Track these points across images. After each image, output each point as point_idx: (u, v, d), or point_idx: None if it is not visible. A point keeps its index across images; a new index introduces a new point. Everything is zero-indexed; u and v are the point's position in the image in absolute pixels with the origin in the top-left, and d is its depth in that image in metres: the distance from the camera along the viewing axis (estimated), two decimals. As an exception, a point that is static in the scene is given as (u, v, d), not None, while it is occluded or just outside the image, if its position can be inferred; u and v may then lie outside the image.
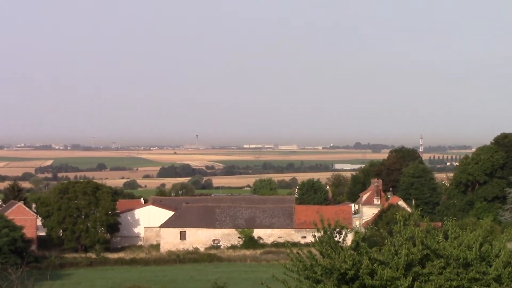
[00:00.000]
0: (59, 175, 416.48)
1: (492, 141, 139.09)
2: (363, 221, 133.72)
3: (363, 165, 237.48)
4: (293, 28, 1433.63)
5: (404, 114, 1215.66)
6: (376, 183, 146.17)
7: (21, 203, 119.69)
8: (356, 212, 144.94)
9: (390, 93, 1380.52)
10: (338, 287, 26.40)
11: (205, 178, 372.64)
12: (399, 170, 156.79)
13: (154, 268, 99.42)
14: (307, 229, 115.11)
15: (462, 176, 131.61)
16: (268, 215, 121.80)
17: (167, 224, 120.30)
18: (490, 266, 26.30)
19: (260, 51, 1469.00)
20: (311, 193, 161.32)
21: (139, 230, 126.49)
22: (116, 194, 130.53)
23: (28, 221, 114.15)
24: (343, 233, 28.34)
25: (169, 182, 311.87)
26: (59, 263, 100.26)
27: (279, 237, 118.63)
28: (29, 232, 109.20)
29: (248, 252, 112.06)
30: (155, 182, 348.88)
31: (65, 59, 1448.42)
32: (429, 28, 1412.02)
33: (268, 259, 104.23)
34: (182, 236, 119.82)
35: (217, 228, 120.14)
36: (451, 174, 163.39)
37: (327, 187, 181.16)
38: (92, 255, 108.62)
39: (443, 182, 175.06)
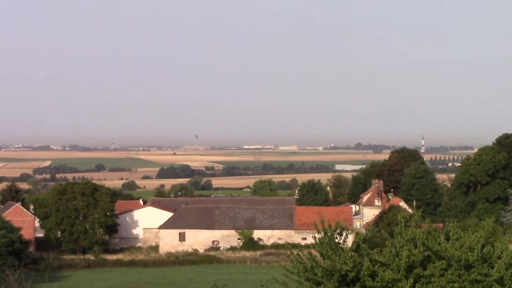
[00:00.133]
0: (57, 176, 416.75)
1: (494, 141, 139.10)
2: (364, 222, 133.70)
3: (364, 166, 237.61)
4: (293, 28, 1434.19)
5: (405, 114, 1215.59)
6: (377, 184, 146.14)
7: (19, 204, 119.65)
8: (357, 213, 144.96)
9: (391, 93, 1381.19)
10: (339, 289, 26.41)
11: (204, 179, 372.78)
12: (400, 171, 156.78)
13: (153, 270, 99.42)
14: (308, 231, 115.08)
15: (464, 177, 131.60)
16: (268, 216, 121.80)
17: (166, 225, 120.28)
18: (492, 268, 26.29)
19: (260, 51, 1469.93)
20: (312, 194, 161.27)
21: (138, 231, 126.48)
22: (114, 195, 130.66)
23: (26, 222, 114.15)
24: (344, 234, 28.34)
25: (168, 183, 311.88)
26: (57, 264, 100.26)
27: (279, 238, 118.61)
28: (27, 234, 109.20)
29: (248, 254, 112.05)
30: (154, 183, 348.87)
31: (64, 59, 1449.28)
32: (429, 28, 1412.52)
33: (268, 260, 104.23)
34: (181, 237, 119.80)
35: (217, 229, 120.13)
36: (453, 175, 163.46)
37: (328, 188, 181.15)
38: (91, 256, 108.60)
39: (444, 183, 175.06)
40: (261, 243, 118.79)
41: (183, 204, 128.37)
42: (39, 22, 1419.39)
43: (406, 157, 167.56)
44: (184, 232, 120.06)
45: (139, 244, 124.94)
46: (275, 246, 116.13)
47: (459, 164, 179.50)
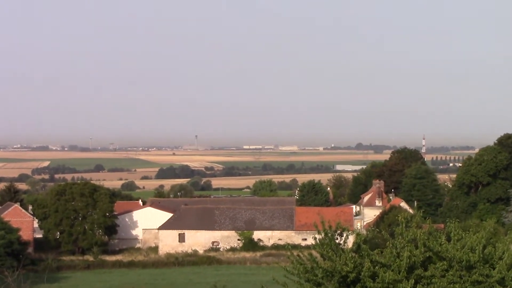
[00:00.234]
0: (56, 176, 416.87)
1: (496, 141, 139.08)
2: (365, 223, 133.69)
3: (364, 166, 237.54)
4: (293, 28, 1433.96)
5: (406, 114, 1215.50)
6: (378, 184, 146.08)
7: (17, 205, 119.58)
8: (358, 213, 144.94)
9: (392, 93, 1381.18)
10: (339, 290, 26.42)
11: (204, 179, 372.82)
12: (401, 171, 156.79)
13: (152, 271, 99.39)
14: (308, 231, 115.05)
15: (465, 177, 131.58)
16: (268, 217, 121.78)
17: (166, 226, 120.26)
18: (494, 269, 26.30)
19: (260, 51, 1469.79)
20: (312, 195, 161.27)
21: (137, 232, 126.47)
22: (114, 195, 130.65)
23: (25, 223, 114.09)
24: (344, 235, 28.35)
25: (168, 183, 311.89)
26: (56, 266, 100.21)
27: (279, 239, 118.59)
28: (25, 235, 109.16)
29: (248, 255, 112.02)
30: (153, 184, 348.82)
31: (63, 59, 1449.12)
32: (430, 28, 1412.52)
33: (268, 261, 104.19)
34: (181, 238, 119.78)
35: (217, 230, 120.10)
36: (454, 175, 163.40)
37: (328, 189, 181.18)
38: (90, 257, 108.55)
39: (445, 183, 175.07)
40: (261, 244, 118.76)
41: (182, 205, 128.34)
42: (38, 22, 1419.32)
43: (407, 157, 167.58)
44: (184, 233, 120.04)
45: (138, 245, 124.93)
46: (275, 247, 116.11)
47: (460, 165, 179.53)
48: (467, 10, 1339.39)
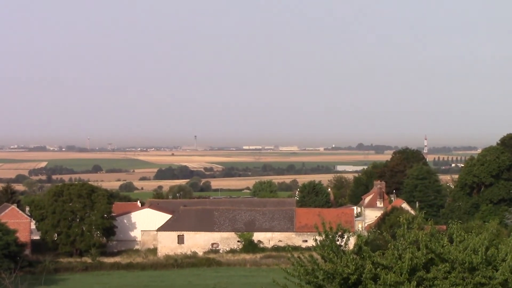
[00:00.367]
0: (54, 177, 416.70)
1: (498, 141, 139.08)
2: (366, 224, 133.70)
3: (365, 167, 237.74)
4: (293, 28, 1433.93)
5: (408, 114, 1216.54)
6: (379, 185, 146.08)
7: (14, 206, 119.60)
8: (359, 215, 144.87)
9: (393, 93, 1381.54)
10: (340, 292, 26.42)
11: (203, 180, 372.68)
12: (403, 171, 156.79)
13: (151, 273, 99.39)
14: (308, 233, 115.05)
15: (468, 178, 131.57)
16: (268, 218, 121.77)
17: (165, 227, 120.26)
18: (497, 271, 26.29)
19: (260, 51, 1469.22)
20: (312, 196, 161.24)
21: (136, 233, 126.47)
22: (112, 196, 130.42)
23: (22, 224, 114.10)
24: (345, 236, 28.34)
25: (167, 184, 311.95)
26: (54, 267, 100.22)
27: (280, 240, 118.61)
28: (22, 236, 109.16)
29: (247, 256, 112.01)
30: (152, 184, 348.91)
31: (61, 59, 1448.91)
32: (432, 27, 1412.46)
33: (268, 263, 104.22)
34: (180, 240, 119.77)
35: (216, 231, 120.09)
36: (456, 176, 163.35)
37: (329, 190, 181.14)
38: (88, 259, 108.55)
39: (448, 184, 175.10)
40: (261, 245, 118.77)
41: (181, 206, 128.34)
42: (36, 22, 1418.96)
43: (408, 157, 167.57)
44: (183, 235, 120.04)
45: (137, 247, 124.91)
46: (276, 248, 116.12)
47: (463, 165, 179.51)
48: (472, 9, 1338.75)
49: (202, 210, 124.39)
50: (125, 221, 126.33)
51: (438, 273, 26.10)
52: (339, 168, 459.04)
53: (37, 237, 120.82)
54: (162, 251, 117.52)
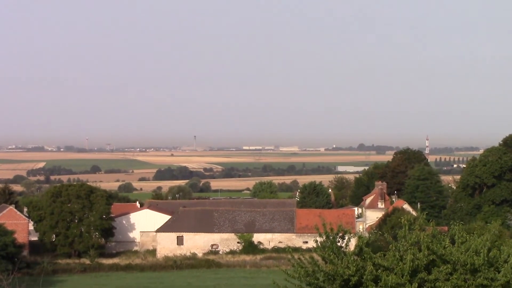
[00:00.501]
0: (52, 177, 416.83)
1: (501, 142, 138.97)
2: (367, 226, 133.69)
3: (366, 167, 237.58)
4: (294, 28, 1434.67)
5: (409, 114, 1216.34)
6: (380, 186, 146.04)
7: (12, 207, 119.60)
8: (360, 216, 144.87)
9: (394, 93, 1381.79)
10: (341, 294, 26.43)
11: (203, 181, 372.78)
12: (404, 172, 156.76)
13: (150, 274, 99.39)
14: (309, 234, 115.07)
15: (469, 178, 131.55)
16: (268, 219, 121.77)
17: (164, 228, 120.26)
18: (499, 272, 26.31)
19: (260, 51, 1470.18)
20: (313, 197, 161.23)
21: (135, 234, 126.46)
22: (110, 197, 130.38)
23: (20, 225, 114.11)
24: (346, 237, 28.37)
25: (166, 185, 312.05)
26: (52, 269, 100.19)
27: (280, 242, 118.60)
28: (20, 237, 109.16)
29: (247, 258, 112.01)
30: (151, 185, 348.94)
31: (59, 59, 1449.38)
32: (433, 26, 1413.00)
33: (268, 265, 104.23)
34: (179, 241, 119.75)
35: (216, 232, 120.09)
36: (458, 177, 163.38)
37: (330, 190, 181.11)
38: (86, 260, 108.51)
39: (449, 185, 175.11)
40: (261, 246, 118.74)
41: (181, 207, 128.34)
42: (34, 22, 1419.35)
43: (410, 158, 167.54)
44: (182, 236, 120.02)
45: (135, 248, 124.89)
46: (276, 250, 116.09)
47: (465, 166, 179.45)
48: (470, 8, 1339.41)
49: (202, 211, 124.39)
50: (124, 222, 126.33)
51: (439, 274, 26.12)
52: (340, 168, 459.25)
53: (35, 238, 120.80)
54: (161, 252, 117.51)
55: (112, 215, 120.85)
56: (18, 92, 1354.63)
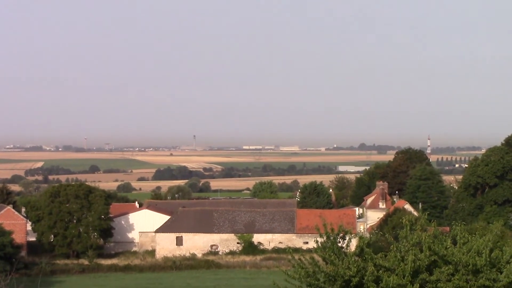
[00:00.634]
0: (50, 177, 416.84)
1: (503, 141, 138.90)
2: (368, 226, 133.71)
3: (368, 167, 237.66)
4: (294, 27, 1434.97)
5: (410, 114, 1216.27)
6: (381, 186, 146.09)
7: (10, 207, 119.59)
8: (361, 216, 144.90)
9: (395, 93, 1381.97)
10: (342, 295, 26.43)
11: (202, 181, 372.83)
12: (406, 172, 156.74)
13: (149, 275, 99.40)
14: (309, 234, 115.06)
15: (471, 178, 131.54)
16: (269, 219, 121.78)
17: (163, 229, 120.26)
18: (501, 273, 26.32)
19: (260, 51, 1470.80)
20: (314, 197, 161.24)
21: (134, 235, 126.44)
22: (109, 197, 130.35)
23: (18, 225, 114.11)
24: (347, 238, 28.38)
25: (165, 184, 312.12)
26: (50, 269, 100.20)
27: (280, 242, 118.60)
28: (18, 237, 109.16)
29: (247, 258, 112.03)
30: (150, 185, 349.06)
31: (57, 58, 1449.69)
32: (435, 26, 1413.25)
33: (268, 265, 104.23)
34: (179, 241, 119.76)
35: (215, 233, 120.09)
36: (460, 177, 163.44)
37: (330, 190, 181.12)
38: (85, 261, 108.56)
39: (451, 185, 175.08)
40: (261, 247, 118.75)
41: (180, 207, 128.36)
42: (32, 21, 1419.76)
43: (411, 158, 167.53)
44: (182, 236, 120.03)
45: (134, 249, 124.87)
46: (276, 250, 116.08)
47: (467, 165, 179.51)
48: (470, 8, 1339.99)
49: (201, 211, 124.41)
50: (122, 222, 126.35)
51: (441, 275, 26.12)
52: (341, 168, 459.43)
53: (33, 239, 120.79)
54: (160, 253, 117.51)
55: (111, 215, 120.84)
56: (16, 91, 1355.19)
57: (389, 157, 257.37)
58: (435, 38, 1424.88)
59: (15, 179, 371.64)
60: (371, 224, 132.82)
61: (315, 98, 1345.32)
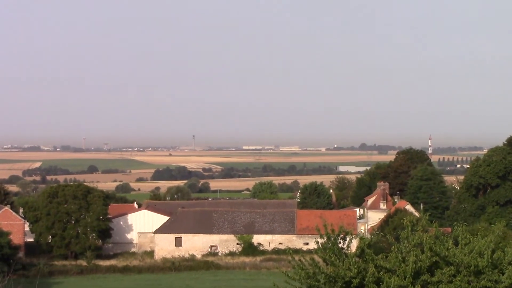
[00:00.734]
0: (48, 178, 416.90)
1: (505, 142, 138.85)
2: (369, 227, 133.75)
3: (368, 167, 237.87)
4: (294, 27, 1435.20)
5: (412, 113, 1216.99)
6: (382, 186, 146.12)
7: (7, 208, 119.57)
8: (361, 217, 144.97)
9: (396, 93, 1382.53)
10: (342, 296, 26.42)
11: (202, 181, 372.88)
12: (407, 172, 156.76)
13: (148, 276, 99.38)
14: (310, 235, 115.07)
15: (473, 179, 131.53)
16: (269, 220, 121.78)
17: (162, 229, 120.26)
18: (503, 274, 26.30)
19: (260, 51, 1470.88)
20: (314, 197, 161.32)
21: (132, 236, 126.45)
22: (108, 198, 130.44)
23: (15, 226, 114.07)
24: (348, 239, 28.37)
25: (164, 185, 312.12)
26: (48, 270, 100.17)
27: (280, 243, 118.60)
28: (16, 238, 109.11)
29: (247, 259, 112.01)
30: (149, 185, 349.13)
31: (55, 58, 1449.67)
32: (436, 25, 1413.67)
33: (268, 266, 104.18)
34: (178, 242, 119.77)
35: (215, 234, 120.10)
36: (462, 177, 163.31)
37: (331, 191, 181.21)
38: (83, 262, 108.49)
39: (453, 185, 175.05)
40: (261, 248, 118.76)
41: (179, 208, 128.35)
42: (30, 21, 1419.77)
43: (412, 158, 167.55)
44: (181, 237, 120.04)
45: (133, 249, 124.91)
46: (276, 251, 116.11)
47: (468, 166, 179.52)
48: (470, 8, 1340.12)
49: (201, 212, 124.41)
50: (121, 223, 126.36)
51: (443, 276, 26.11)
52: (341, 168, 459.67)
53: (31, 240, 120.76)
54: (159, 254, 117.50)
55: (109, 216, 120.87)
56: (14, 91, 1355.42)
57: (390, 157, 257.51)
58: (435, 38, 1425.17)
59: (12, 180, 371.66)
60: (372, 225, 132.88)
61: (315, 98, 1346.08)
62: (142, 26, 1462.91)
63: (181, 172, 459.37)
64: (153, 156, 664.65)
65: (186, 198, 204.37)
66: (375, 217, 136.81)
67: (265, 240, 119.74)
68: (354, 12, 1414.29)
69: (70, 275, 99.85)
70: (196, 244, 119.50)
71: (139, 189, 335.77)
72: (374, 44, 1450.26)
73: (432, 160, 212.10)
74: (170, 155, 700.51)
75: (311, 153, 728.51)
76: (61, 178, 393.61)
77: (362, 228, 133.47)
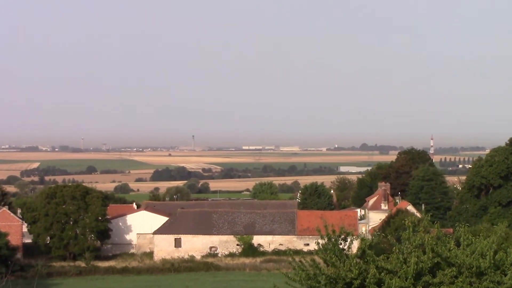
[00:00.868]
0: (46, 178, 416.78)
1: (507, 142, 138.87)
2: (370, 227, 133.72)
3: (369, 168, 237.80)
4: (294, 28, 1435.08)
5: (413, 113, 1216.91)
6: (383, 186, 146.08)
7: (5, 208, 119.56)
8: (362, 217, 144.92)
9: (396, 93, 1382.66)
10: (343, 298, 26.42)
11: (201, 182, 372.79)
12: (408, 173, 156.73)
13: (147, 278, 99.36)
14: (310, 236, 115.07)
15: (475, 179, 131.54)
16: (269, 221, 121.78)
17: (161, 230, 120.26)
18: (505, 275, 26.30)
19: (260, 51, 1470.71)
20: (315, 198, 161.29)
21: (131, 237, 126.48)
22: (106, 198, 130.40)
23: (13, 227, 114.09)
24: (349, 240, 28.37)
25: (163, 185, 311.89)
26: (46, 272, 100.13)
27: (280, 244, 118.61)
28: (14, 239, 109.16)
29: (247, 260, 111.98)
30: (148, 186, 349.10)
31: (54, 57, 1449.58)
32: (436, 25, 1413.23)
33: (268, 267, 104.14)
34: (177, 243, 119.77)
35: (214, 234, 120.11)
36: (464, 177, 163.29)
37: (332, 191, 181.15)
38: (81, 263, 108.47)
39: (455, 186, 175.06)
40: (261, 249, 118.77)
41: (179, 208, 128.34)
42: (29, 21, 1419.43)
43: (414, 158, 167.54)
44: (180, 238, 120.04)
45: (132, 251, 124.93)
46: (276, 252, 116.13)
47: (470, 166, 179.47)
48: (470, 8, 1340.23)
49: (200, 213, 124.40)
50: (120, 224, 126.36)
51: (444, 277, 26.11)
52: (342, 169, 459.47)
53: (29, 241, 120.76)
54: (159, 255, 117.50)
55: (108, 217, 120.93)
56: (12, 91, 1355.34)
57: (391, 157, 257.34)
58: (435, 38, 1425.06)
59: (10, 180, 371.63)
60: (373, 226, 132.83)
61: (315, 98, 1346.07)
62: (142, 26, 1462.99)
63: (181, 173, 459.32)
64: (152, 157, 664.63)
65: (186, 198, 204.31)
66: (376, 218, 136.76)
67: (265, 241, 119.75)
68: (354, 12, 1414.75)
69: (69, 277, 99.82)
70: (195, 245, 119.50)
71: (138, 190, 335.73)
72: (374, 44, 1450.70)
73: (433, 160, 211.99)
74: (170, 155, 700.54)
75: (312, 153, 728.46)
76: (59, 178, 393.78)
77: (363, 229, 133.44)
